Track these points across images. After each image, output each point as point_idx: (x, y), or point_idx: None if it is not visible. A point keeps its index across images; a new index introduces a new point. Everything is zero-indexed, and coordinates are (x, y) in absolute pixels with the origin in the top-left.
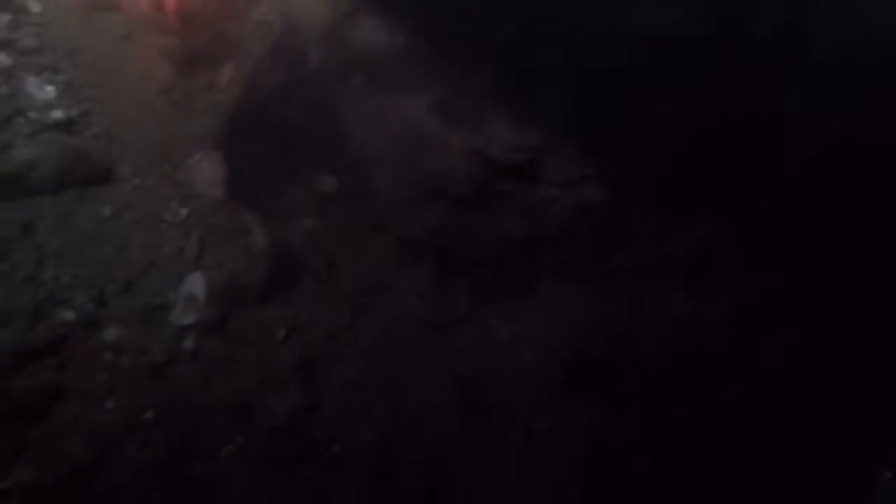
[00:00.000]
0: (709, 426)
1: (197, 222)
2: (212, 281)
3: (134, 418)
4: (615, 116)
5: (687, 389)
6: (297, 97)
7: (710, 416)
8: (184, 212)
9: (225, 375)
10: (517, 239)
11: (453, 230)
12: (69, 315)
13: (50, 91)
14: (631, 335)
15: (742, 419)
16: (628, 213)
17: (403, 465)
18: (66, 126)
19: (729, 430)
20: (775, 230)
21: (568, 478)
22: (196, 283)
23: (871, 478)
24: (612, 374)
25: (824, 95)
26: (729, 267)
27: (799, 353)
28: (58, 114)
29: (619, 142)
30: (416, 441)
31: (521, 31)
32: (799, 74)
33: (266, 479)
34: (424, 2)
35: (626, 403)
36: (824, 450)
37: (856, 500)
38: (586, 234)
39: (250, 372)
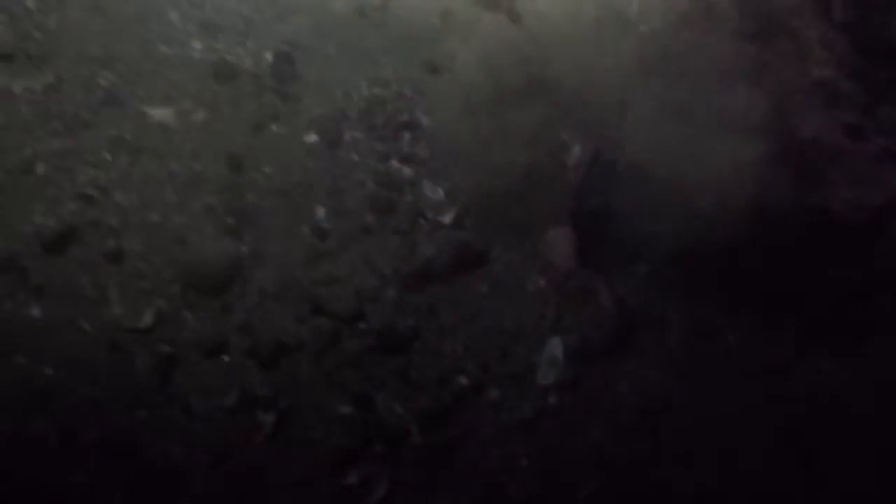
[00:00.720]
0: None
1: (553, 290)
2: (568, 343)
3: (512, 464)
4: None
5: None
6: None
7: None
8: (542, 282)
9: (580, 426)
10: (854, 285)
11: (783, 276)
12: (463, 380)
13: (440, 193)
14: None
15: None
16: None
17: None
18: (455, 222)
19: None
20: None
21: None
22: (555, 347)
23: None
24: None
25: None
26: None
27: None
28: (447, 212)
29: None
30: (747, 486)
31: None
32: None
33: None
34: None
35: None
36: None
37: None
38: None
39: (600, 422)
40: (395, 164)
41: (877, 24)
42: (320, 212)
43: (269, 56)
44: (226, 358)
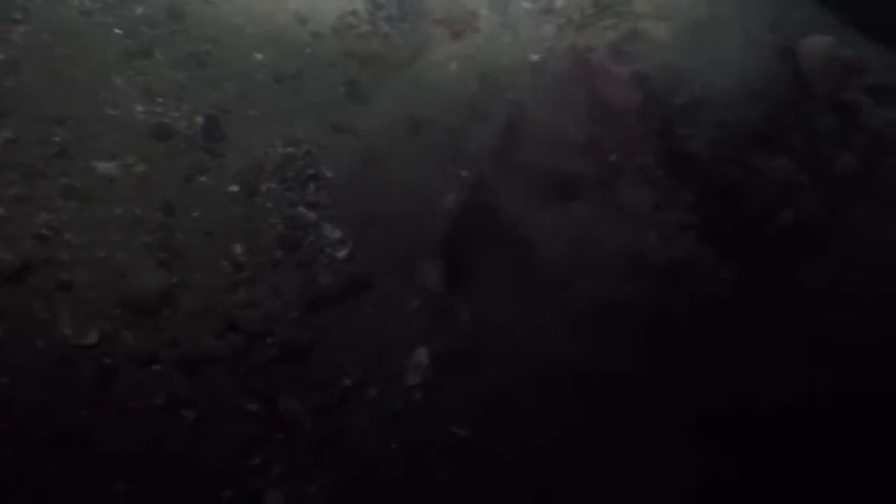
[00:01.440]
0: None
1: (424, 310)
2: (433, 352)
3: (384, 448)
4: None
5: (797, 442)
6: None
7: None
8: (416, 303)
9: (440, 415)
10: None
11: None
12: (348, 382)
13: (337, 233)
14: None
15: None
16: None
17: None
18: (348, 256)
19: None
20: None
21: None
22: (422, 354)
23: None
24: (736, 426)
25: None
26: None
27: None
28: (343, 249)
29: None
30: (575, 466)
31: None
32: None
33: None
34: None
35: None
36: None
37: None
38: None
39: (457, 412)
40: (301, 209)
41: (677, 136)
42: (238, 248)
43: (199, 119)
44: (157, 367)
